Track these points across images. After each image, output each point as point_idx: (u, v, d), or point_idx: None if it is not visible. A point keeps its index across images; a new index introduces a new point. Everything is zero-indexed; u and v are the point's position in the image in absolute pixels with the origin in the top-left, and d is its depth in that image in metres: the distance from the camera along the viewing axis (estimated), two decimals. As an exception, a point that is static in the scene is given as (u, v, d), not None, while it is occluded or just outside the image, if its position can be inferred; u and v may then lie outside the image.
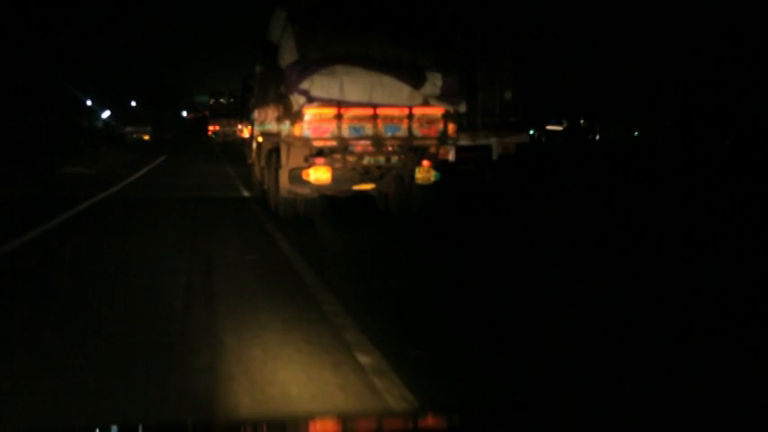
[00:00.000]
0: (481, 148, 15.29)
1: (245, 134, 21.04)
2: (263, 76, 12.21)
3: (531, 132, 25.87)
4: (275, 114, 10.50)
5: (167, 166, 25.86)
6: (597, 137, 39.62)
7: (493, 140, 15.45)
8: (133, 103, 58.39)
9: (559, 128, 38.38)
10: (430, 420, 2.42)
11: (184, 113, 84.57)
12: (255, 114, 13.33)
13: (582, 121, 42.06)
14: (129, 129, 49.03)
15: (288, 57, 9.56)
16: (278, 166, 10.09)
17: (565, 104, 37.79)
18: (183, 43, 73.41)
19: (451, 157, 14.17)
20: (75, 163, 22.41)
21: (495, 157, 15.53)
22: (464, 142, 14.21)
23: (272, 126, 10.93)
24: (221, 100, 57.01)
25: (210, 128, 56.39)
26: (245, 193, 14.41)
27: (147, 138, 48.66)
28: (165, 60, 74.44)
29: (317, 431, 2.22)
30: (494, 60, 15.59)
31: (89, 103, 55.37)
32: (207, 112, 68.36)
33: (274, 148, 10.62)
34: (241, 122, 50.34)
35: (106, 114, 52.43)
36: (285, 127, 9.76)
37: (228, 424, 2.55)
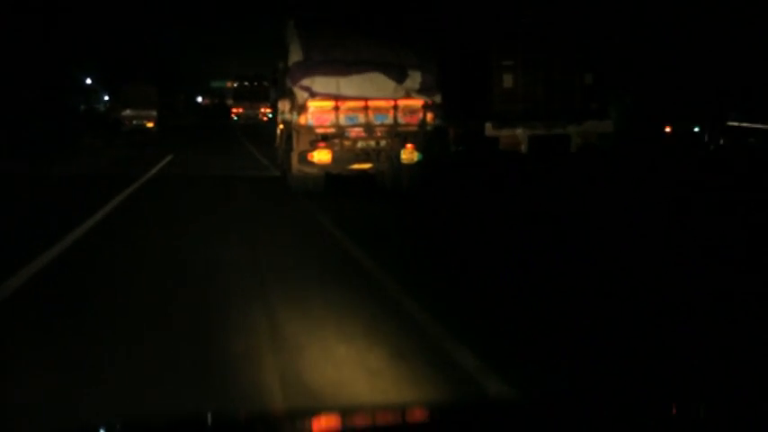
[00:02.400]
0: (558, 139, 14.55)
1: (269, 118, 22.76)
2: (281, 72, 14.26)
3: (697, 129, 21.98)
4: (288, 106, 12.54)
5: (168, 186, 13.96)
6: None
7: (571, 130, 14.54)
8: None
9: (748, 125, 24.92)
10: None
11: (200, 99, 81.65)
12: (278, 105, 15.40)
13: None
14: (127, 113, 37.10)
15: (295, 57, 11.60)
16: (290, 149, 12.13)
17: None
18: (199, 29, 70.88)
19: (524, 149, 13.95)
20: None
21: (573, 148, 14.60)
22: (539, 131, 13.85)
23: (286, 115, 12.98)
24: (245, 83, 56.42)
25: (234, 110, 55.08)
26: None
27: (150, 125, 36.46)
28: (181, 44, 68.69)
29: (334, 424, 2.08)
30: (571, 41, 14.67)
31: (89, 81, 49.01)
32: (220, 99, 66.39)
33: (288, 134, 12.66)
34: (264, 106, 51.84)
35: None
36: (294, 117, 11.80)
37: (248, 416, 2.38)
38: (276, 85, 16.05)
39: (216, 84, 74.85)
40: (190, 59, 72.77)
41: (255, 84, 53.12)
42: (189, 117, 58.62)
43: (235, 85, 55.22)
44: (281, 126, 14.67)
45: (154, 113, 37.06)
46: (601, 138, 14.80)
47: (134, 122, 36.60)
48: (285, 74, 13.11)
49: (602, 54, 16.09)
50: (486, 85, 16.08)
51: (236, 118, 53.52)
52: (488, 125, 15.43)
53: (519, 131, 15.35)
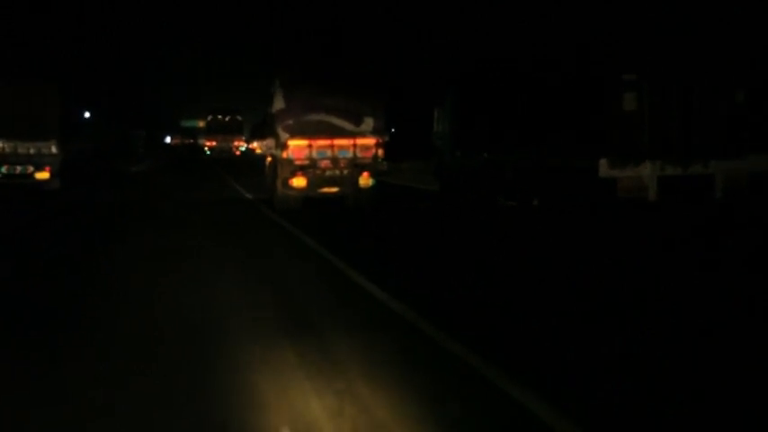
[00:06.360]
0: (697, 180, 11.57)
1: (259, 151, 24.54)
2: (269, 116, 17.97)
3: None
4: (273, 143, 16.22)
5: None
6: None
7: (716, 167, 11.57)
8: (86, 115, 37.32)
9: None
10: None
11: (168, 139, 74.78)
12: (266, 141, 19.12)
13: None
14: None
15: (278, 106, 15.38)
16: (275, 177, 15.77)
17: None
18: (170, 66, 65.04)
19: (652, 194, 11.36)
20: None
21: (718, 193, 11.56)
22: (673, 171, 11.25)
23: (273, 150, 16.64)
24: (218, 116, 53.58)
25: (207, 143, 54.44)
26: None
27: (41, 176, 19.46)
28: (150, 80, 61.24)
29: None
30: (716, 46, 11.38)
31: None
32: (193, 140, 62.12)
33: (274, 165, 16.29)
34: (237, 139, 53.37)
35: None
36: (278, 152, 15.46)
37: None
38: (266, 126, 19.78)
39: (187, 123, 67.88)
40: (157, 92, 65.92)
41: (228, 117, 53.27)
42: (149, 160, 44.99)
43: (208, 118, 54.78)
44: (269, 158, 18.35)
45: (47, 153, 19.59)
46: (752, 179, 11.24)
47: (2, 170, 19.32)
48: (272, 118, 16.78)
49: (759, 62, 11.72)
50: (596, 107, 12.23)
51: (208, 152, 53.06)
52: (603, 162, 11.67)
53: (645, 171, 11.75)
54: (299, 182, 15.03)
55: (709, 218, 11.36)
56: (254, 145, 53.35)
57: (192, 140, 63.28)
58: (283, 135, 15.06)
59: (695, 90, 11.71)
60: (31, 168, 19.42)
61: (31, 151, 19.45)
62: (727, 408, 4.11)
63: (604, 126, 12.11)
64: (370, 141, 15.20)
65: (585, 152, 12.05)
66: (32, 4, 36.10)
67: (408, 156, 27.57)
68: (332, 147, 15.04)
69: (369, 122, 15.07)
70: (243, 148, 54.73)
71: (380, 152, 15.36)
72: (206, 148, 54.26)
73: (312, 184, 15.15)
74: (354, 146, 15.08)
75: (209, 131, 54.71)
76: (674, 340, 5.47)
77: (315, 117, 14.98)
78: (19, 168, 19.41)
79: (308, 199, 15.55)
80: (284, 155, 15.09)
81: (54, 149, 19.68)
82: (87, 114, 40.26)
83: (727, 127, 11.66)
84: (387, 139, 15.48)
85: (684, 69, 11.78)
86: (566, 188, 12.45)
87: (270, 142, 17.48)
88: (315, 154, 15.02)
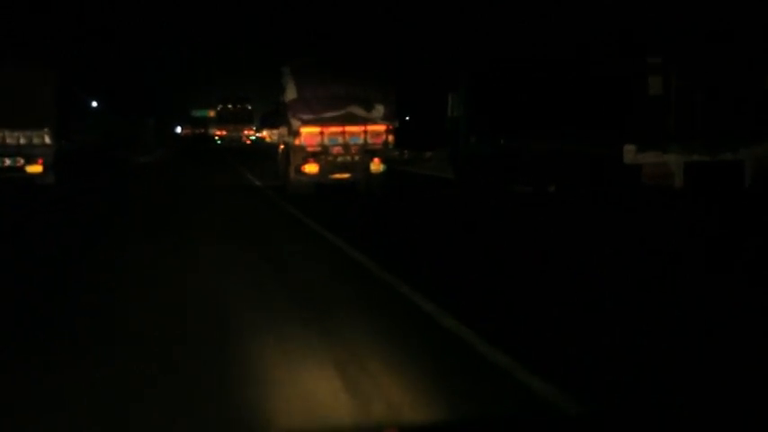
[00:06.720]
0: (726, 167, 11.22)
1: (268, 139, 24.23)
2: (281, 105, 18.26)
3: None
4: (286, 131, 16.50)
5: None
6: None
7: (746, 154, 11.19)
8: (94, 104, 36.22)
9: None
10: None
11: (179, 129, 74.45)
12: (279, 130, 19.40)
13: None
14: None
15: (290, 95, 15.63)
16: (288, 164, 16.06)
17: None
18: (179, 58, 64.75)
19: (678, 181, 11.04)
20: None
21: (748, 180, 11.23)
22: (700, 157, 10.96)
23: (285, 138, 16.93)
24: (229, 105, 54.69)
25: (217, 132, 55.44)
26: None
27: (32, 170, 17.67)
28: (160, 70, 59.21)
29: None
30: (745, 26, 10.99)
31: None
32: (204, 129, 62.38)
33: (287, 152, 16.59)
34: (247, 129, 53.99)
35: None
36: (291, 139, 15.75)
37: None
38: (278, 116, 20.09)
39: (198, 113, 68.43)
40: (167, 83, 64.38)
41: (239, 106, 54.51)
42: (160, 151, 44.27)
43: (218, 107, 55.26)
44: (282, 146, 18.64)
45: (41, 141, 17.78)
46: None
47: None
48: (284, 107, 17.07)
49: None
50: (620, 91, 11.91)
51: (218, 141, 54.25)
52: (629, 148, 11.34)
53: (671, 157, 11.46)
54: (311, 168, 15.32)
55: (738, 206, 11.07)
56: (264, 134, 53.87)
57: (203, 130, 63.29)
58: (295, 123, 15.33)
59: (723, 74, 11.25)
60: (21, 161, 17.45)
61: (21, 141, 17.51)
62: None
63: (629, 111, 11.73)
64: (381, 128, 15.46)
65: (609, 138, 11.72)
66: None
67: (431, 144, 26.22)
68: (343, 133, 15.31)
69: (379, 109, 15.32)
70: (253, 137, 55.22)
71: (391, 138, 15.60)
72: (216, 137, 54.84)
73: (324, 170, 15.44)
74: (365, 132, 15.34)
75: (220, 121, 55.58)
76: (695, 339, 5.21)
77: (326, 105, 15.24)
78: (8, 161, 17.42)
79: (319, 185, 15.83)
80: (297, 142, 15.38)
81: (48, 140, 17.68)
82: (95, 104, 38.73)
83: (757, 112, 11.25)
84: (397, 125, 15.72)
85: (712, 52, 11.32)
86: (587, 174, 12.17)
87: (282, 130, 17.77)
88: (326, 141, 15.30)
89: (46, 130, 17.63)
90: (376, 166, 15.45)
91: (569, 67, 13.15)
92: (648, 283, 6.99)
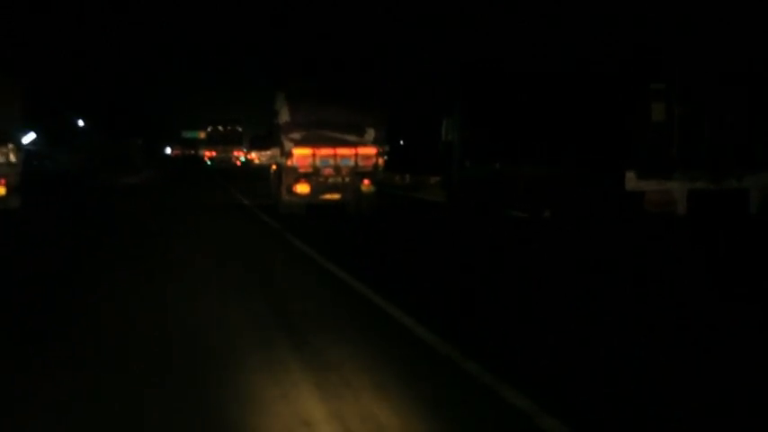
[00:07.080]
0: (731, 195, 11.03)
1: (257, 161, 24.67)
2: (274, 128, 18.86)
3: None
4: (279, 152, 17.07)
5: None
6: None
7: (750, 182, 11.07)
8: (81, 123, 37.35)
9: None
10: None
11: (168, 150, 75.25)
12: (271, 151, 20.00)
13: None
14: None
15: (284, 118, 16.22)
16: (280, 184, 16.60)
17: None
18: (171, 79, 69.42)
19: (681, 209, 10.94)
20: None
21: (753, 208, 11.08)
22: (703, 185, 10.83)
23: (278, 159, 17.49)
24: (219, 127, 55.55)
25: (207, 153, 55.91)
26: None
27: None
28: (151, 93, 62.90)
29: None
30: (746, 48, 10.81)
31: None
32: (194, 150, 62.20)
33: (279, 172, 17.13)
34: (237, 150, 54.67)
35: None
36: (283, 160, 16.31)
37: None
38: (271, 137, 20.67)
39: (188, 134, 67.43)
40: (157, 104, 66.02)
41: (229, 128, 54.81)
42: (147, 171, 43.21)
43: (208, 129, 55.73)
44: (275, 167, 19.21)
45: (5, 159, 15.65)
46: None
47: None
48: (278, 129, 17.62)
49: None
50: (622, 117, 11.88)
51: (209, 162, 54.28)
52: (630, 175, 11.31)
53: (674, 184, 11.35)
54: (302, 188, 15.88)
55: (743, 234, 10.86)
56: (252, 155, 54.26)
57: (193, 151, 62.74)
58: (288, 144, 15.90)
59: (727, 100, 11.14)
60: None
61: None
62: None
63: (631, 137, 11.61)
64: (372, 151, 16.06)
65: (610, 164, 11.62)
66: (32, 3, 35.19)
67: (436, 169, 23.56)
68: (334, 155, 15.89)
69: (370, 133, 15.93)
70: (242, 159, 55.83)
71: (381, 161, 16.20)
72: (206, 159, 55.65)
73: (315, 190, 15.98)
74: (356, 155, 15.93)
75: (210, 142, 55.94)
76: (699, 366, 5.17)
77: (318, 128, 15.86)
78: None
79: (310, 206, 16.30)
80: (289, 163, 15.94)
81: (12, 158, 15.46)
82: (81, 123, 37.37)
83: (763, 139, 11.11)
84: (387, 148, 16.34)
85: (716, 78, 11.18)
86: (586, 200, 12.03)
87: (275, 151, 18.32)
88: (318, 162, 15.86)
89: (10, 146, 15.53)
90: (366, 187, 16.01)
91: (567, 91, 13.11)
92: (644, 311, 6.86)
